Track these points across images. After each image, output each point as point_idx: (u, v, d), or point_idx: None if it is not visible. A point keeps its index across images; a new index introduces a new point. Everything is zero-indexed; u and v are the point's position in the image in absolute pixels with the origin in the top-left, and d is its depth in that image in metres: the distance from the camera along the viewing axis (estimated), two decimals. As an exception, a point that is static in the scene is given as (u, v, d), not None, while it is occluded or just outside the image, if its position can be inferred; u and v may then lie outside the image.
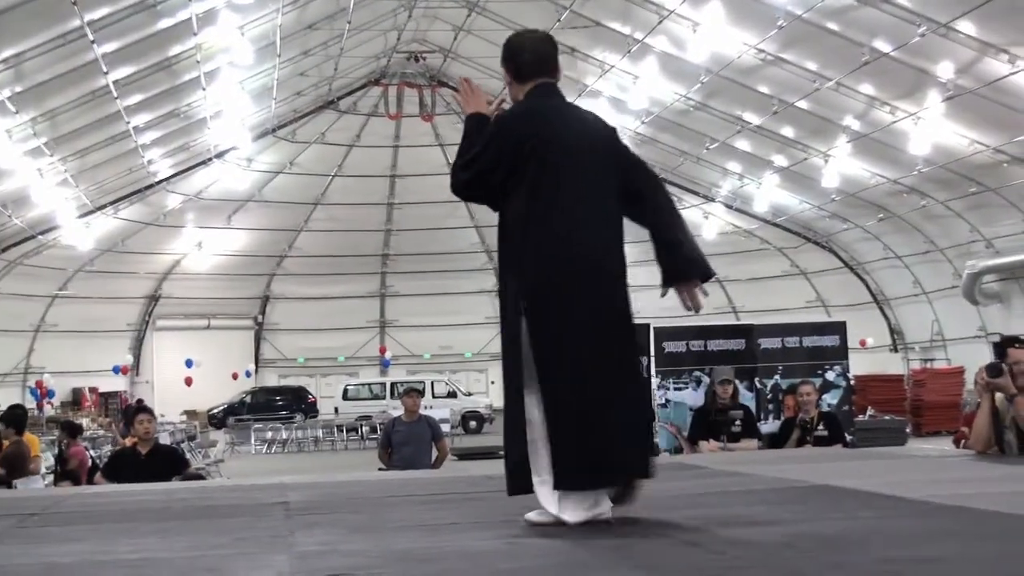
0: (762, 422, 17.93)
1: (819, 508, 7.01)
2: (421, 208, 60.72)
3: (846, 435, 15.82)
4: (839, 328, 20.80)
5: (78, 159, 47.14)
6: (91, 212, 55.76)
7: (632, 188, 7.24)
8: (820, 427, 14.81)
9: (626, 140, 38.55)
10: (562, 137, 6.93)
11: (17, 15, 32.41)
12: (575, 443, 6.18)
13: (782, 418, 18.65)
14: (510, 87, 7.31)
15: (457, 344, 65.06)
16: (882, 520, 6.31)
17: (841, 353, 20.09)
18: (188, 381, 63.56)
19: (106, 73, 38.46)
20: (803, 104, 42.51)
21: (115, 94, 40.43)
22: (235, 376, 66.84)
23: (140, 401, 55.39)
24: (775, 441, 15.47)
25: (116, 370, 64.53)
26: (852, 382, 21.60)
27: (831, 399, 19.01)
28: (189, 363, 64.35)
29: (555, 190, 6.78)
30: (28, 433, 18.88)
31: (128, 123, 44.42)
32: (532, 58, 7.23)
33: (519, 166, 6.82)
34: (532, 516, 6.41)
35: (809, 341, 19.97)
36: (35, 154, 42.95)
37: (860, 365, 37.49)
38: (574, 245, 6.73)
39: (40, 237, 55.84)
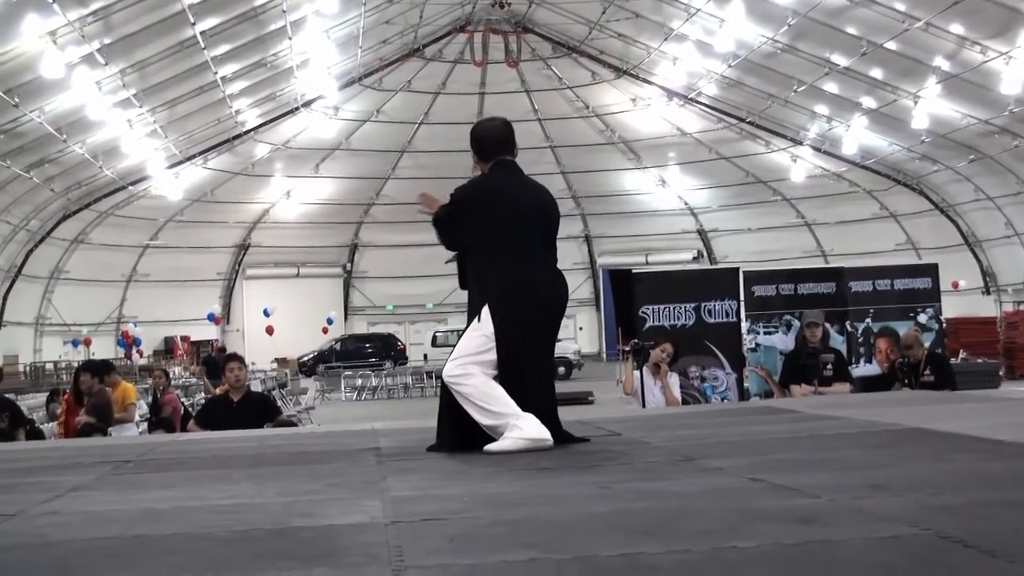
0: (854, 366, 17.78)
1: (912, 451, 6.93)
2: (508, 155, 60.40)
3: (954, 377, 15.53)
4: (931, 270, 20.46)
5: (167, 110, 47.51)
6: (180, 162, 56.28)
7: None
8: (927, 371, 14.62)
9: (712, 83, 38.06)
10: (511, 197, 8.49)
11: (104, -33, 32.67)
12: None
13: (873, 362, 18.49)
14: (477, 164, 8.72)
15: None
16: (975, 463, 6.23)
17: (933, 296, 19.79)
18: (269, 330, 63.92)
19: (193, 24, 38.70)
20: (892, 45, 42.01)
21: (202, 45, 40.69)
22: (325, 330, 67.18)
23: (222, 350, 55.92)
24: (876, 387, 15.31)
25: (211, 317, 65.18)
26: (944, 325, 21.28)
27: (925, 343, 18.80)
28: (267, 312, 64.68)
29: (507, 234, 8.38)
30: (124, 381, 19.07)
31: (215, 73, 44.72)
32: (492, 144, 8.69)
33: (479, 220, 8.36)
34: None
35: (901, 284, 19.67)
36: (124, 105, 43.32)
37: (952, 308, 37.15)
38: (521, 275, 8.36)
39: (130, 188, 56.48)
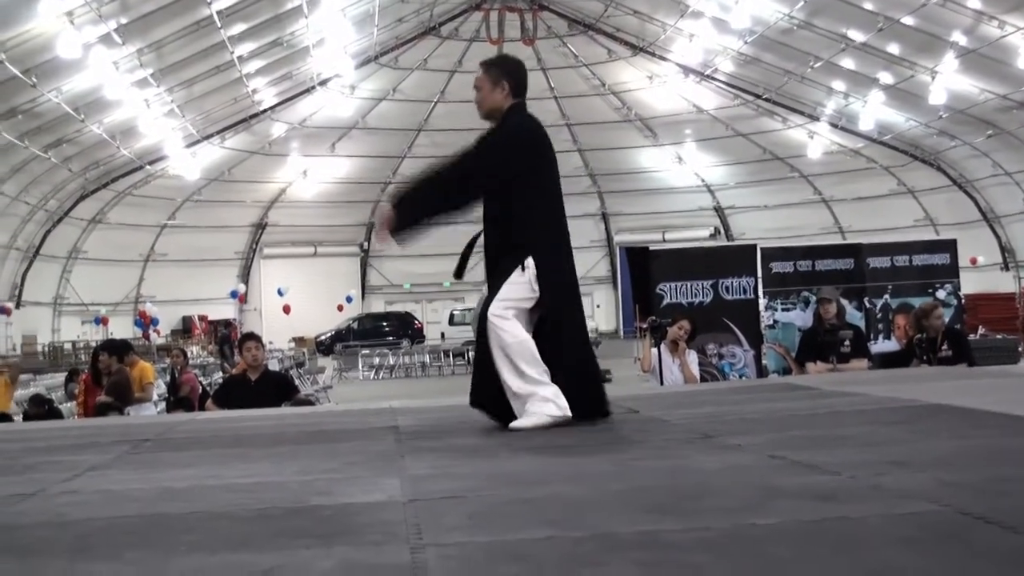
0: (872, 342, 17.74)
1: (931, 427, 6.91)
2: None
3: (972, 353, 15.47)
4: (950, 246, 20.37)
5: (184, 89, 47.60)
6: (197, 142, 56.40)
7: None
8: (944, 347, 14.57)
9: (728, 60, 38.04)
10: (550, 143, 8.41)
11: (121, -53, 32.70)
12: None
13: (892, 338, 18.44)
14: (494, 92, 8.34)
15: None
16: (995, 439, 6.21)
17: (952, 272, 19.73)
18: (287, 309, 64.04)
19: (209, 3, 38.74)
20: (909, 20, 41.92)
21: (219, 24, 40.73)
22: (340, 308, 67.25)
23: (227, 324, 55.99)
24: (894, 364, 15.26)
25: (234, 295, 65.29)
26: (963, 301, 21.23)
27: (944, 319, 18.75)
28: (280, 292, 64.82)
29: (554, 183, 8.41)
30: (142, 361, 19.12)
31: (232, 53, 44.78)
32: (525, 81, 8.47)
33: (533, 162, 8.19)
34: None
35: (919, 260, 19.61)
36: (141, 85, 43.44)
37: (970, 284, 37.08)
38: (564, 228, 8.33)
39: (148, 168, 56.61)
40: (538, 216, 8.10)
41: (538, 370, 7.70)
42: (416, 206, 8.27)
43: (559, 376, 7.77)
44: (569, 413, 7.66)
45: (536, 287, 7.85)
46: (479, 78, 8.41)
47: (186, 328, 66.81)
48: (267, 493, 5.23)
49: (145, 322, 56.20)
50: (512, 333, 7.72)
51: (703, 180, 69.58)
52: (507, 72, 8.43)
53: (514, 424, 7.64)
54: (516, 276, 7.87)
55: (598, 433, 7.40)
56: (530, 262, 7.86)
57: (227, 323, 66.30)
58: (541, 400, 7.65)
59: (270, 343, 39.81)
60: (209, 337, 64.73)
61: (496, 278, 8.01)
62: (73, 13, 35.24)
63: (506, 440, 7.13)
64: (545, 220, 8.14)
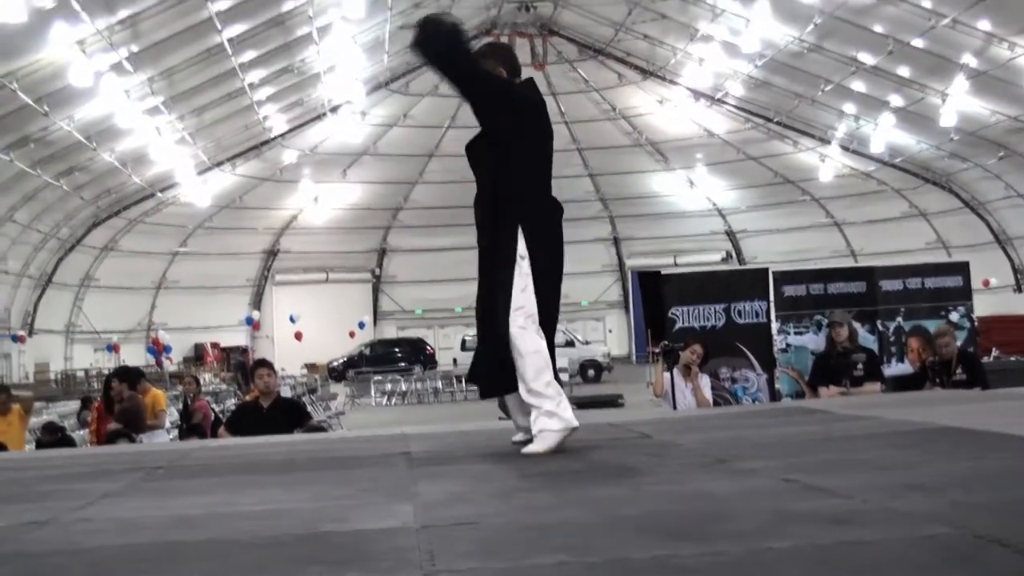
0: (885, 365, 17.71)
1: (946, 450, 6.90)
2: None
3: (986, 376, 15.42)
4: (962, 268, 20.36)
5: (195, 117, 47.75)
6: (209, 169, 56.53)
7: None
8: (958, 370, 14.52)
9: (739, 84, 38.06)
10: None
11: (131, -25, 32.82)
12: None
13: (905, 361, 18.41)
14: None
15: (574, 293, 64.55)
16: (1010, 461, 6.19)
17: (965, 294, 19.71)
18: (298, 336, 64.12)
19: (220, 31, 38.84)
20: (919, 42, 41.94)
21: (230, 51, 40.87)
22: (352, 334, 67.26)
23: (244, 351, 56.05)
24: (908, 387, 15.22)
25: (248, 321, 65.41)
26: (976, 324, 21.18)
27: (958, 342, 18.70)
28: (292, 319, 64.92)
29: (547, 151, 8.14)
30: (155, 388, 19.13)
31: (243, 80, 44.91)
32: (517, 62, 8.48)
33: (527, 125, 8.05)
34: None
35: (931, 282, 19.60)
36: (153, 113, 43.57)
37: (983, 306, 36.99)
38: (554, 204, 8.07)
39: (159, 195, 56.76)
40: (529, 187, 7.92)
41: (546, 382, 7.62)
42: (440, 38, 7.99)
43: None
44: (576, 423, 7.60)
45: (524, 252, 7.68)
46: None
47: (198, 355, 66.88)
48: (280, 520, 5.23)
49: (158, 349, 56.26)
50: (530, 346, 7.64)
51: (714, 204, 69.65)
52: (499, 58, 8.37)
53: (526, 450, 7.57)
54: (518, 271, 7.69)
55: (611, 458, 7.39)
56: (522, 246, 7.68)
57: (243, 350, 66.38)
58: (547, 415, 7.56)
59: (282, 369, 39.82)
60: (221, 364, 64.79)
61: (497, 269, 7.81)
62: (85, 41, 35.36)
63: (519, 465, 7.11)
64: (535, 191, 7.94)
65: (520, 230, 7.72)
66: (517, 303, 7.67)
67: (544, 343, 7.71)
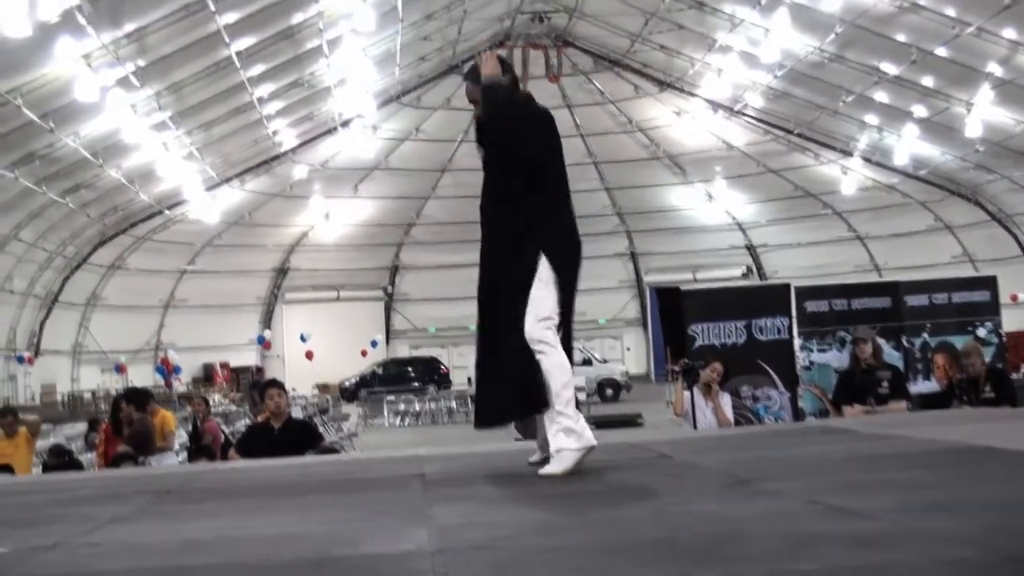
0: (911, 383, 17.66)
1: (974, 470, 6.88)
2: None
3: (1015, 393, 15.34)
4: (989, 283, 20.30)
5: (203, 132, 47.79)
6: (217, 185, 56.57)
7: None
8: (987, 387, 14.46)
9: (758, 95, 37.95)
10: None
11: (138, -12, 32.89)
12: None
13: (932, 378, 18.36)
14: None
15: (591, 310, 64.35)
16: (1043, 481, 6.19)
17: (992, 309, 19.67)
18: (309, 355, 64.17)
19: (229, 44, 38.90)
20: (943, 51, 41.85)
21: (238, 65, 40.89)
22: (364, 353, 67.22)
23: (260, 371, 56.07)
24: (934, 405, 15.18)
25: (260, 340, 65.52)
26: (1004, 339, 21.10)
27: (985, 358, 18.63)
28: (303, 337, 64.96)
29: (561, 170, 8.18)
30: (163, 410, 19.15)
31: (252, 94, 44.93)
32: (516, 75, 8.41)
33: (537, 145, 8.06)
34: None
35: (958, 297, 19.54)
36: (160, 128, 43.59)
37: (1012, 321, 36.84)
38: (572, 224, 8.07)
39: (167, 212, 56.79)
40: (548, 207, 7.93)
41: (567, 399, 7.57)
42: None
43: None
44: (594, 442, 7.56)
45: (552, 285, 7.68)
46: (470, 89, 8.36)
47: (207, 375, 66.90)
48: (292, 544, 5.23)
49: (167, 369, 56.31)
50: (555, 360, 7.60)
51: (734, 218, 69.56)
52: (500, 66, 8.32)
53: (543, 471, 7.53)
54: (538, 282, 7.71)
55: (630, 479, 7.39)
56: (545, 263, 7.69)
57: (257, 369, 66.43)
58: (565, 433, 7.51)
59: (293, 390, 39.84)
60: (231, 384, 64.81)
61: (512, 276, 7.79)
62: (90, 56, 35.39)
63: (536, 487, 7.11)
64: (555, 213, 7.97)
65: (543, 256, 7.72)
66: (541, 313, 7.66)
67: (566, 358, 7.69)
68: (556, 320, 7.69)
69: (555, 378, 7.53)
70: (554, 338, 7.64)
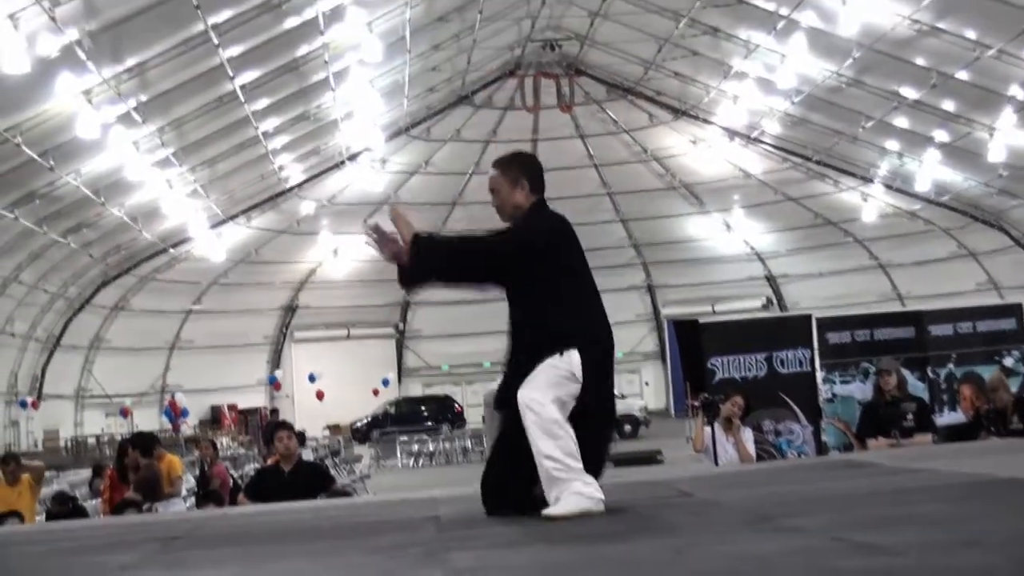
0: (937, 414, 17.63)
1: (1003, 504, 6.87)
2: (564, 203, 59.26)
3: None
4: (1015, 311, 20.29)
5: (207, 168, 47.86)
6: (223, 222, 56.63)
7: None
8: (1015, 418, 14.43)
9: (775, 121, 38.03)
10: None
11: (139, 23, 32.92)
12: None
13: (958, 410, 18.33)
14: (514, 192, 8.48)
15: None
16: (1075, 514, 6.18)
17: (1019, 337, 19.63)
18: (320, 395, 64.13)
19: (232, 78, 38.97)
20: (964, 75, 41.84)
21: (242, 99, 40.95)
22: (376, 392, 67.14)
23: (275, 412, 56.04)
24: (961, 437, 15.16)
25: (272, 380, 65.53)
26: (1032, 368, 21.07)
27: (1012, 388, 18.58)
28: (312, 378, 64.94)
29: (587, 274, 8.37)
30: (170, 454, 19.16)
31: (257, 128, 44.97)
32: (543, 176, 8.59)
33: (555, 255, 8.19)
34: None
35: (984, 326, 19.54)
36: (163, 165, 43.67)
37: (1039, 349, 36.78)
38: (603, 320, 8.24)
39: (171, 250, 56.84)
40: (581, 309, 8.10)
41: (575, 460, 7.58)
42: (433, 254, 8.61)
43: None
44: (603, 505, 7.55)
45: (580, 377, 7.74)
46: (495, 179, 8.54)
47: (215, 418, 66.79)
48: (305, 591, 5.23)
49: (175, 412, 56.31)
50: (551, 417, 7.61)
51: (753, 248, 69.49)
52: (525, 169, 8.54)
53: (547, 511, 7.52)
54: (555, 361, 7.79)
55: (649, 518, 7.38)
56: (573, 354, 7.78)
57: (273, 411, 66.40)
58: (576, 491, 7.51)
59: (303, 431, 39.81)
60: (239, 427, 64.73)
61: (527, 363, 7.89)
62: (91, 92, 35.42)
63: (553, 528, 7.11)
64: (589, 313, 8.15)
65: (578, 355, 7.81)
66: (546, 383, 7.78)
67: (562, 416, 7.71)
68: (560, 393, 7.75)
69: (555, 436, 7.60)
70: (548, 399, 7.69)
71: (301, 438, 33.82)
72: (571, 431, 7.63)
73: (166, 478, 17.63)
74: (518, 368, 7.95)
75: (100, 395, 62.46)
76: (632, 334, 69.38)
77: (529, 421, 7.64)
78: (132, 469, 17.22)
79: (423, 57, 49.03)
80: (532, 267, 8.07)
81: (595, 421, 7.89)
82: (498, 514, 7.98)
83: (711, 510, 7.66)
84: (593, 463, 7.75)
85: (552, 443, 7.58)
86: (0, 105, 34.08)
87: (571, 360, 7.77)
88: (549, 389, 7.70)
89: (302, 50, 40.91)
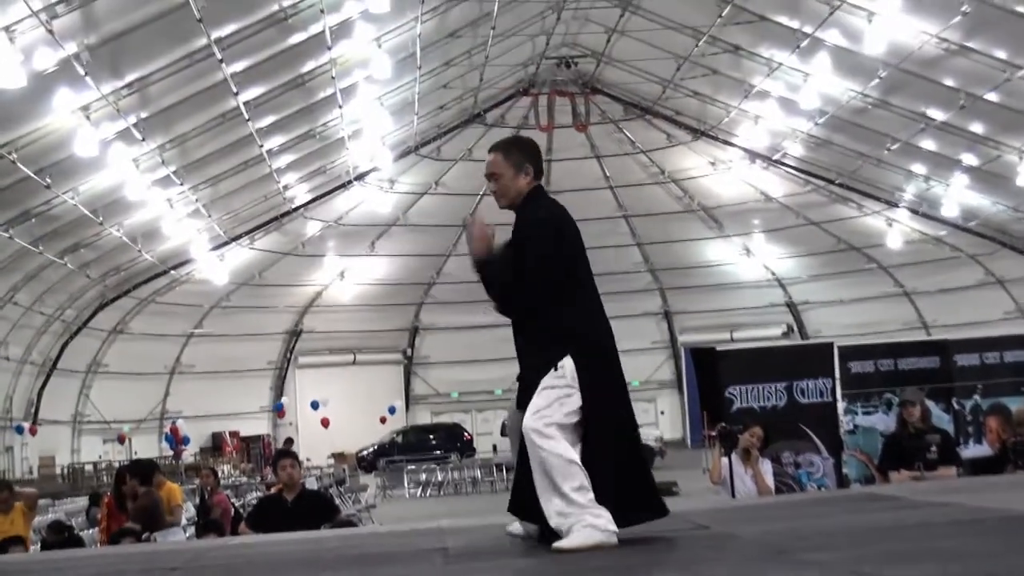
0: (962, 447, 17.62)
1: (1031, 539, 6.88)
2: (579, 225, 60.06)
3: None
4: (1044, 340, 20.33)
5: (210, 187, 47.83)
6: (225, 243, 56.58)
7: None
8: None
9: (797, 143, 38.07)
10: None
11: (139, 36, 32.95)
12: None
13: (984, 442, 18.31)
14: (517, 178, 8.58)
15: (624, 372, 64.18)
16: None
17: (1048, 368, 19.65)
18: (325, 423, 64.09)
19: (236, 94, 38.96)
20: (993, 96, 41.82)
21: (246, 116, 40.92)
22: (383, 420, 67.08)
23: (289, 441, 56.04)
24: (987, 470, 15.15)
25: (278, 407, 65.57)
26: (1062, 400, 21.05)
27: (1039, 420, 18.57)
28: (315, 404, 64.88)
29: (587, 272, 8.51)
30: (169, 482, 19.18)
31: (261, 146, 44.93)
32: (543, 161, 8.73)
33: (563, 251, 8.31)
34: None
35: (1011, 356, 19.50)
36: (164, 183, 43.63)
37: (1069, 381, 36.70)
38: (605, 322, 8.30)
39: (172, 272, 56.85)
40: (575, 309, 8.10)
41: (584, 493, 7.58)
42: (490, 287, 8.45)
43: (609, 479, 7.70)
44: (615, 538, 7.54)
45: (576, 385, 7.75)
46: (497, 163, 8.60)
47: (216, 445, 66.75)
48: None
49: (176, 439, 56.29)
50: (554, 452, 7.62)
51: (773, 273, 69.41)
52: (529, 154, 8.62)
53: (558, 545, 7.50)
54: (551, 379, 7.79)
55: (665, 552, 7.39)
56: (567, 361, 7.80)
57: (288, 439, 66.40)
58: (588, 524, 7.50)
59: (307, 460, 39.82)
60: (241, 455, 64.70)
61: (529, 378, 7.93)
62: (90, 108, 35.40)
63: (565, 562, 7.11)
64: (583, 312, 8.16)
65: (571, 360, 7.86)
66: (544, 405, 7.78)
67: (566, 444, 7.72)
68: (564, 410, 7.78)
69: (559, 474, 7.60)
70: (552, 432, 7.69)
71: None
72: (577, 458, 7.65)
73: (166, 506, 17.66)
74: (524, 391, 7.98)
75: (98, 421, 62.40)
76: (648, 362, 69.26)
77: (533, 460, 7.70)
78: (130, 497, 17.26)
79: (433, 74, 49.07)
80: (548, 270, 8.10)
81: (605, 430, 7.88)
82: (529, 520, 8.08)
83: (728, 543, 7.67)
84: (611, 483, 7.74)
85: (553, 485, 7.59)
86: (-5, 121, 34.18)
87: (565, 370, 7.79)
88: (550, 413, 7.71)
89: (308, 66, 40.94)
